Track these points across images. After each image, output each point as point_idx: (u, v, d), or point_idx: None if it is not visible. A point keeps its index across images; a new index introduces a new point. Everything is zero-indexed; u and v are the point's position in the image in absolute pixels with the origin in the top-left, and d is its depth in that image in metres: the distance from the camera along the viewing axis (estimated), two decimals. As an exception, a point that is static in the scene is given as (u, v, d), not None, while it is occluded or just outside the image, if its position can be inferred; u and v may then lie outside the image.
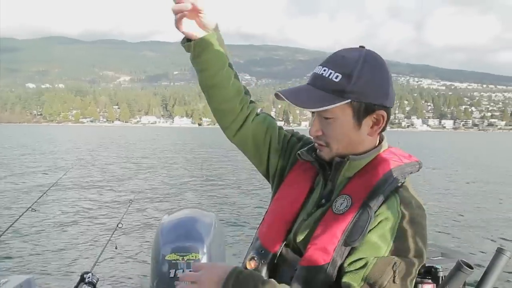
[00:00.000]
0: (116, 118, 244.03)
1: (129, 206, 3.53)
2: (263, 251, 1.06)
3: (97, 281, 1.97)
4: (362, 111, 0.95)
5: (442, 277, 1.34)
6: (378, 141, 1.04)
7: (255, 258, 1.06)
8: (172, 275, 1.70)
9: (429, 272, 1.39)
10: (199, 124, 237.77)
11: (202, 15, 1.01)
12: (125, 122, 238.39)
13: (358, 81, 0.93)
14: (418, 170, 1.01)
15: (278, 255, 1.04)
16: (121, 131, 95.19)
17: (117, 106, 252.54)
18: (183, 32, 1.03)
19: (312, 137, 1.03)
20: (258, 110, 1.18)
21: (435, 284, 1.34)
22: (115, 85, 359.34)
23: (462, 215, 9.24)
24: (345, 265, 0.90)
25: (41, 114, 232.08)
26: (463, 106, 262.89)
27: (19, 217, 3.07)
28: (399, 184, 0.96)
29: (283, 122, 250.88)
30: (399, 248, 0.87)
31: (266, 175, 1.22)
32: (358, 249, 0.90)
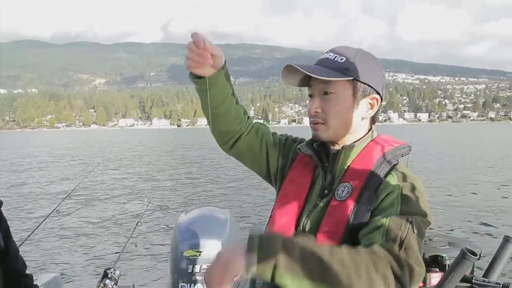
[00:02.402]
0: (93, 122, 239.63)
1: (147, 206, 3.73)
2: None
3: (119, 276, 2.03)
4: (361, 91, 1.06)
5: (448, 265, 1.36)
6: (368, 129, 1.12)
7: None
8: (190, 270, 1.74)
9: (435, 261, 1.41)
10: (178, 125, 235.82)
11: (217, 58, 1.07)
12: (102, 125, 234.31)
13: (359, 65, 1.05)
14: (408, 153, 1.09)
15: None
16: (102, 134, 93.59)
17: (93, 110, 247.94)
18: (195, 73, 1.10)
19: (310, 117, 1.09)
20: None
21: (442, 273, 1.35)
22: (90, 88, 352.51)
23: (468, 206, 9.54)
24: (360, 234, 0.93)
25: (14, 120, 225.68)
26: (437, 99, 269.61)
27: (45, 218, 3.17)
28: (393, 164, 1.04)
29: (262, 120, 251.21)
30: (406, 210, 0.92)
31: (268, 178, 1.28)
32: (369, 220, 0.95)
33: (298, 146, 1.17)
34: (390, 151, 1.06)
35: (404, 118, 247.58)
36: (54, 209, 3.27)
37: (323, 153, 1.13)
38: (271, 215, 1.19)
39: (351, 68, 1.04)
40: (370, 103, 1.09)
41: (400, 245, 0.85)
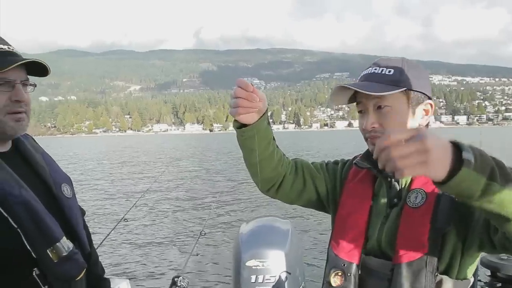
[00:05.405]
0: (129, 127, 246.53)
1: (209, 215, 3.85)
2: (345, 265, 1.07)
3: (188, 284, 2.03)
4: (415, 99, 1.06)
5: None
6: None
7: (340, 274, 1.07)
8: (253, 280, 1.71)
9: None
10: (211, 130, 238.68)
11: (262, 102, 1.04)
12: (137, 131, 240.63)
13: (408, 74, 1.05)
14: None
15: (361, 265, 1.06)
16: (143, 140, 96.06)
17: (128, 116, 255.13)
18: (240, 120, 1.06)
19: (366, 133, 1.07)
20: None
21: None
22: (125, 95, 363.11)
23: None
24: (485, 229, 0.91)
25: (55, 126, 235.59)
26: (476, 101, 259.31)
27: (114, 227, 3.27)
28: None
29: (294, 125, 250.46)
30: None
31: (320, 206, 1.28)
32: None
33: (355, 162, 1.17)
34: None
35: (440, 121, 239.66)
36: (123, 217, 3.33)
37: None
38: (333, 235, 1.17)
39: (401, 78, 1.04)
40: (424, 110, 1.09)
41: None
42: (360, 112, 1.09)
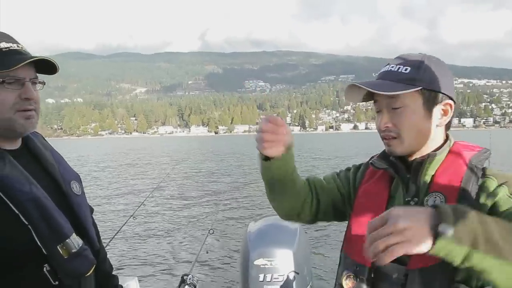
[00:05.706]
0: (134, 130, 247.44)
1: (217, 214, 3.88)
2: (358, 268, 1.05)
3: (197, 282, 2.04)
4: (432, 99, 1.00)
5: None
6: (445, 136, 1.07)
7: (352, 276, 1.05)
8: (261, 279, 1.70)
9: None
10: (216, 132, 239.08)
11: (288, 135, 1.04)
12: (143, 133, 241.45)
13: (426, 71, 1.00)
14: (489, 157, 1.05)
15: (373, 268, 1.04)
16: (148, 142, 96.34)
17: (134, 118, 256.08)
18: (266, 153, 1.04)
19: (381, 132, 1.06)
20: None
21: None
22: (131, 97, 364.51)
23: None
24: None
25: (61, 128, 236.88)
26: (483, 104, 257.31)
27: (123, 224, 3.30)
28: (482, 170, 0.99)
29: (299, 127, 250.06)
30: None
31: (341, 216, 1.25)
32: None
33: (371, 162, 1.14)
34: (474, 156, 1.02)
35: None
36: (132, 215, 3.34)
37: (400, 165, 1.08)
38: (346, 236, 1.15)
39: (418, 77, 0.99)
40: (443, 110, 1.03)
41: None
42: (377, 111, 1.07)
